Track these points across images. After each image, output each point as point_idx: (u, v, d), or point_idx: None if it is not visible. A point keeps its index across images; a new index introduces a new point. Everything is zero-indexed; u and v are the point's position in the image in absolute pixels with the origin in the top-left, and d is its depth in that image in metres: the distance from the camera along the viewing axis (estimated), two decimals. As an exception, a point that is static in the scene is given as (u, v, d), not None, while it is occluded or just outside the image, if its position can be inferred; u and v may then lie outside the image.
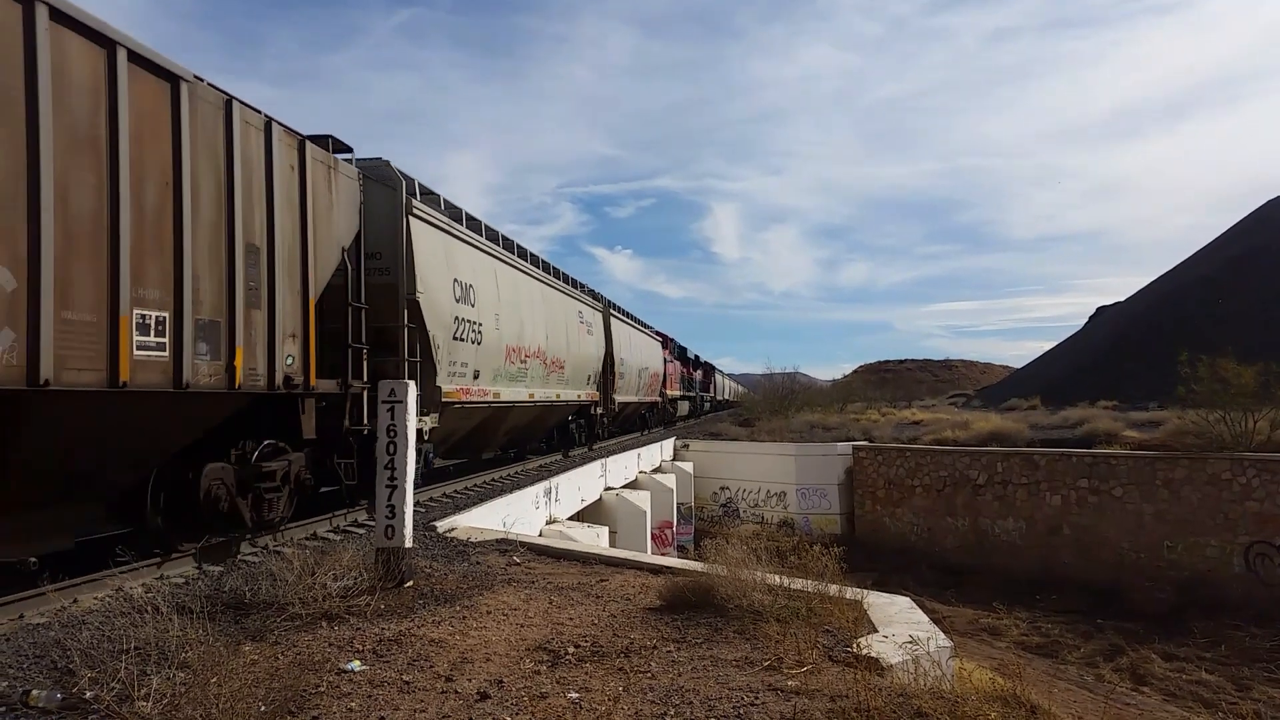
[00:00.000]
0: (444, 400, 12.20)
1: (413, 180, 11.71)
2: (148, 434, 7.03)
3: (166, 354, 6.77)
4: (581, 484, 18.32)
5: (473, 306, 13.48)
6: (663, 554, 21.24)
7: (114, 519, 7.81)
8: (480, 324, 13.80)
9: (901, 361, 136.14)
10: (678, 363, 42.91)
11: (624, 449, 25.08)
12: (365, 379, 10.23)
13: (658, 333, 36.92)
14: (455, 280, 12.90)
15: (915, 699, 4.63)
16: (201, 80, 7.37)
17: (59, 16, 5.84)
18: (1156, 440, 26.83)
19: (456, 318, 12.76)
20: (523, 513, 13.63)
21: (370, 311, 10.50)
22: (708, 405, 59.70)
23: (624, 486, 22.40)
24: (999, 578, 24.63)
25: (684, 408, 45.53)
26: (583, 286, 23.17)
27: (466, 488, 14.60)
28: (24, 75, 5.57)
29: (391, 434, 7.41)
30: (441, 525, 10.65)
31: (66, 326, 5.83)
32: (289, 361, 8.66)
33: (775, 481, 31.92)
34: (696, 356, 54.70)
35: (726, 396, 76.00)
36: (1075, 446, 27.45)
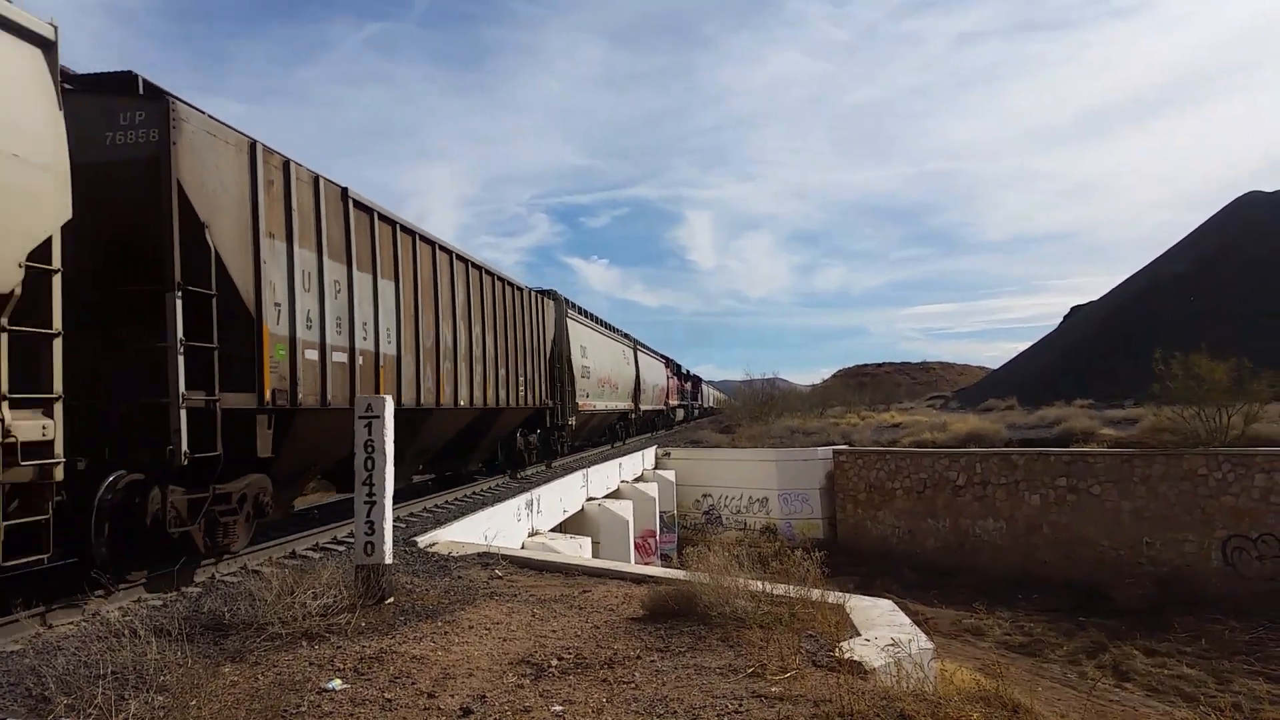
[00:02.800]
0: (578, 410, 23.24)
1: (565, 297, 22.67)
2: (512, 424, 17.90)
3: (524, 393, 17.46)
4: (563, 495, 18.29)
5: (585, 358, 24.78)
6: (646, 563, 21.22)
7: (485, 463, 18.40)
8: (589, 367, 25.21)
9: (880, 365, 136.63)
10: (676, 378, 53.78)
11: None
12: (558, 400, 20.91)
13: (662, 355, 47.56)
14: (580, 346, 24.20)
15: (898, 702, 4.64)
16: (529, 288, 18.81)
17: (535, 292, 19.67)
18: (1133, 437, 27.10)
19: (581, 365, 23.94)
20: (504, 525, 13.59)
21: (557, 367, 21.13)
22: (696, 411, 69.61)
23: (606, 496, 22.38)
24: (981, 578, 24.78)
25: (680, 414, 56.96)
26: (618, 330, 33.39)
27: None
28: (524, 315, 18.02)
29: (369, 449, 7.30)
30: (422, 540, 10.60)
31: (513, 388, 16.63)
32: (543, 393, 19.33)
33: (757, 487, 31.98)
34: (688, 371, 65.57)
35: (710, 404, 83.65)
36: (1053, 445, 27.69)
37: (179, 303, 7.18)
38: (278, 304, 8.52)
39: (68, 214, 6.17)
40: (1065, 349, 66.91)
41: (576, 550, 14.16)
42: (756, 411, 50.13)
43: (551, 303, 21.03)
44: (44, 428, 5.86)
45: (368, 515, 7.20)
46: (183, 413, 7.09)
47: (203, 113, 7.77)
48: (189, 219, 7.41)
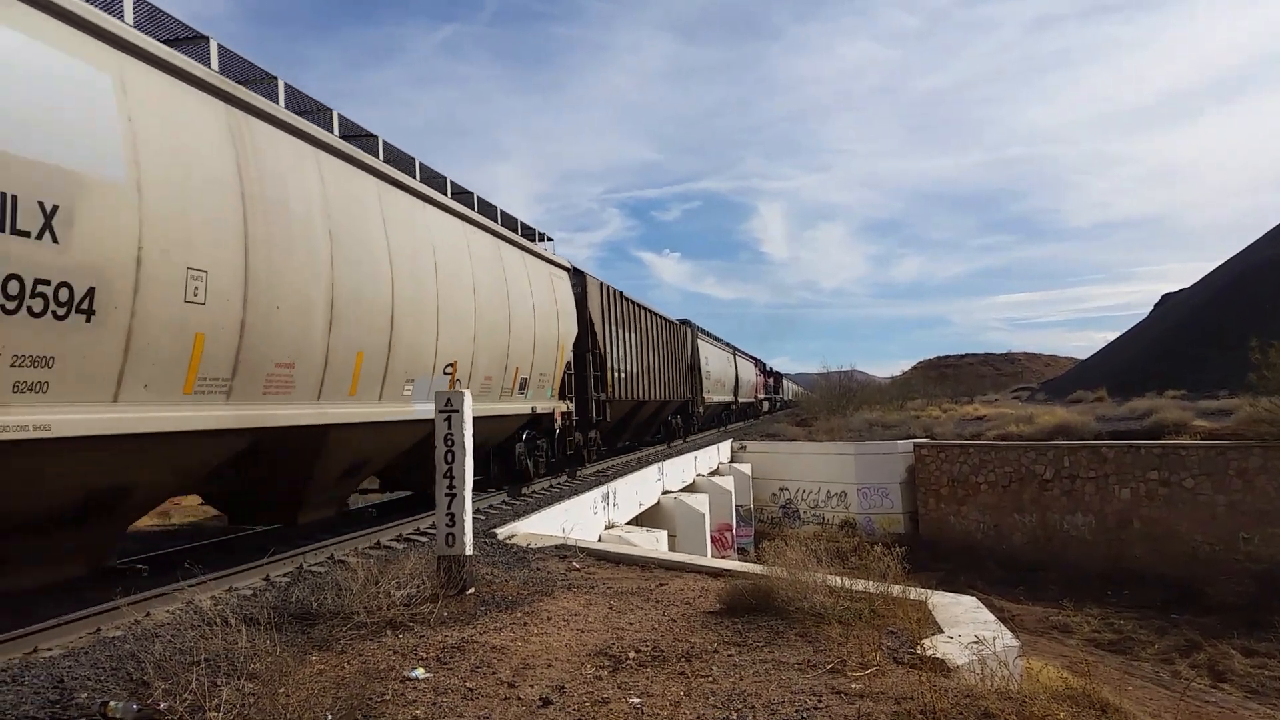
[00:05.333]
0: (704, 401, 33.13)
1: (694, 323, 32.11)
2: (670, 410, 28.51)
3: (678, 390, 27.96)
4: (639, 488, 18.34)
5: (707, 365, 34.58)
6: (722, 557, 21.14)
7: (653, 435, 29.27)
8: (709, 371, 34.66)
9: (961, 356, 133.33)
10: (762, 375, 63.18)
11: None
12: (694, 394, 31.00)
13: (752, 356, 57.26)
14: (704, 356, 33.60)
15: (982, 700, 4.55)
16: (676, 320, 29.55)
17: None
18: (1228, 429, 26.04)
19: (705, 370, 33.31)
20: (581, 518, 13.69)
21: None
22: (779, 404, 78.44)
23: (682, 490, 22.38)
24: (1069, 574, 24.14)
25: (765, 406, 66.83)
26: (722, 340, 42.90)
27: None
28: (676, 339, 28.90)
29: (449, 443, 7.37)
30: (502, 532, 10.73)
31: (673, 387, 27.05)
32: (685, 390, 29.52)
33: (835, 481, 31.61)
34: (770, 367, 74.26)
35: (789, 397, 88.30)
36: (1143, 438, 26.80)
37: (590, 357, 17.50)
38: (608, 351, 18.56)
39: (575, 330, 16.14)
40: (1156, 338, 64.50)
41: (653, 543, 14.18)
42: (834, 404, 49.54)
43: (688, 328, 31.12)
44: (571, 407, 16.14)
45: (448, 507, 7.31)
46: (593, 402, 17.48)
47: (592, 275, 18.01)
48: (590, 323, 17.54)
